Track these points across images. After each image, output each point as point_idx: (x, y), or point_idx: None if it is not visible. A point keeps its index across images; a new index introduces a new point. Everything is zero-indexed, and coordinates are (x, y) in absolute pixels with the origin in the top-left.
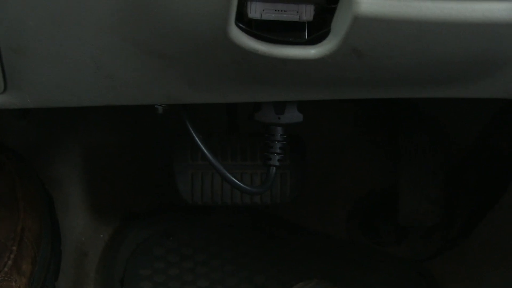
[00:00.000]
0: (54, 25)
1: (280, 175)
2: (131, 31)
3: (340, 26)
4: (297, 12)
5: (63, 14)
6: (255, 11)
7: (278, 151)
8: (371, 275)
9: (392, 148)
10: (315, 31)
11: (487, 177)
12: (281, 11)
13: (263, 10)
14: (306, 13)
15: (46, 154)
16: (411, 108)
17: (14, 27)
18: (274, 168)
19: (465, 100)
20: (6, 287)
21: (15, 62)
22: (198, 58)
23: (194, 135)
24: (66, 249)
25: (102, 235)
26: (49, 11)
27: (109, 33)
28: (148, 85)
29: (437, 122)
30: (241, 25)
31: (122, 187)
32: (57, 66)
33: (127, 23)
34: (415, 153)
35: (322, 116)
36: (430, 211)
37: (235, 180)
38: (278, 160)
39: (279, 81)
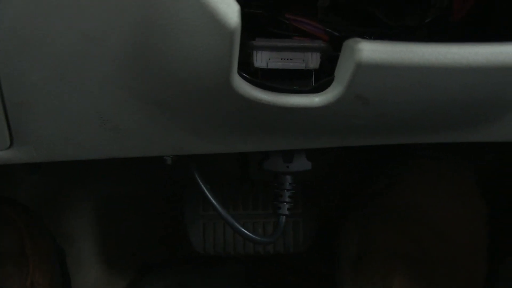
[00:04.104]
0: (58, 79)
1: (292, 223)
2: (135, 83)
3: (343, 73)
4: (303, 60)
5: (67, 69)
6: (261, 61)
7: (288, 200)
8: None
9: None
10: (324, 77)
11: None
12: (287, 59)
13: (269, 59)
14: (313, 61)
15: (57, 209)
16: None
17: (18, 82)
18: (284, 217)
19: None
20: None
21: (21, 117)
22: (202, 108)
23: (202, 185)
24: None
25: None
26: (53, 66)
27: (113, 86)
28: (153, 137)
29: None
30: (244, 74)
31: (135, 239)
32: (63, 120)
33: (131, 76)
34: None
35: (334, 163)
36: None
37: (244, 230)
38: (288, 209)
39: (284, 130)
